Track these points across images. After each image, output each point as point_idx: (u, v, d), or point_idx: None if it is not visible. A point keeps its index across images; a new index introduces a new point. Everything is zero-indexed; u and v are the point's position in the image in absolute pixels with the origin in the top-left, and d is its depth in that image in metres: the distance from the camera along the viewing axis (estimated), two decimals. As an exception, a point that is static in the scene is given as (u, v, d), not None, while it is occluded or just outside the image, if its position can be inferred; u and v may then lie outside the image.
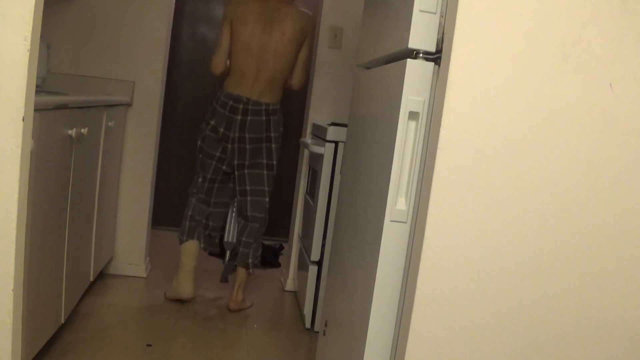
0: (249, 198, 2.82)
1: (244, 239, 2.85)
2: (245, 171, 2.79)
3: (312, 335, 2.68)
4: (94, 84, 3.02)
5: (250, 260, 2.85)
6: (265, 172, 2.81)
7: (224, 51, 2.78)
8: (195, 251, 2.84)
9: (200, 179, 2.87)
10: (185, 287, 2.82)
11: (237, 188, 2.84)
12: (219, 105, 2.75)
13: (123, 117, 3.01)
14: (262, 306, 3.00)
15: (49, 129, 1.80)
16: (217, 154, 2.80)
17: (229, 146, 2.77)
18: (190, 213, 2.87)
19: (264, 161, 2.80)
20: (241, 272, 2.84)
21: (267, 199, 2.83)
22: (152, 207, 3.41)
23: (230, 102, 2.73)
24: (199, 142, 2.84)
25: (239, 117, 2.72)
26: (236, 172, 2.82)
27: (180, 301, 2.88)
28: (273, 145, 2.79)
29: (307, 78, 2.87)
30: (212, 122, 2.77)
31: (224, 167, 2.84)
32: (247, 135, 2.73)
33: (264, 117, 2.74)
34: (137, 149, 3.12)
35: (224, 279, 2.96)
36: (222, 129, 2.74)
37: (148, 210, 3.18)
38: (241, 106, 2.72)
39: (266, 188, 2.82)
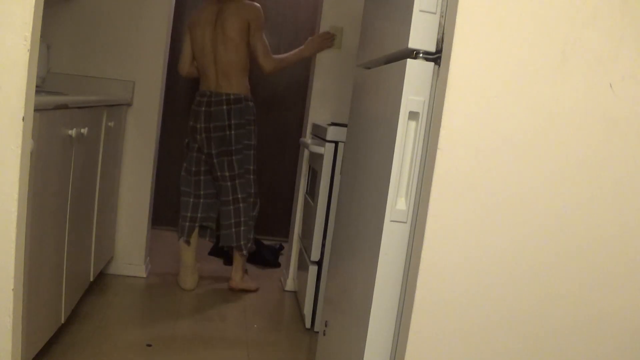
0: (221, 183, 3.08)
1: (221, 222, 3.11)
2: (215, 160, 3.03)
3: (312, 335, 2.68)
4: (94, 84, 3.02)
5: (242, 243, 3.09)
6: (231, 157, 3.02)
7: (185, 55, 3.11)
8: (187, 246, 3.10)
9: (186, 174, 3.12)
10: (185, 281, 3.10)
11: (212, 175, 3.12)
12: (193, 103, 3.12)
13: (123, 117, 3.01)
14: (262, 306, 3.00)
15: (49, 129, 1.80)
16: (196, 145, 3.08)
17: (198, 137, 3.04)
18: (181, 210, 3.14)
19: (228, 148, 3.01)
20: (235, 255, 3.12)
21: (229, 184, 3.05)
22: (152, 207, 3.41)
23: (198, 98, 3.05)
24: (185, 140, 3.18)
25: (204, 109, 3.00)
26: (208, 161, 3.08)
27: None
28: (234, 132, 2.99)
29: (275, 60, 3.04)
30: (190, 120, 3.08)
31: (202, 157, 3.09)
32: (211, 125, 2.98)
33: (224, 106, 2.98)
34: (137, 149, 3.12)
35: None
36: (191, 122, 3.05)
37: (148, 210, 3.18)
38: (205, 99, 3.01)
39: (227, 173, 3.04)
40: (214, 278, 3.37)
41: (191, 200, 3.11)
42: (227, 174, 3.03)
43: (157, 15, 3.03)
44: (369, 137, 1.67)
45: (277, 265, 3.76)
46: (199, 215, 3.11)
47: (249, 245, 3.10)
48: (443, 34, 1.34)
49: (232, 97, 2.97)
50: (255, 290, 3.17)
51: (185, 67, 3.12)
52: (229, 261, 3.66)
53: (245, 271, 3.23)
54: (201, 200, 3.12)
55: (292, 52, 3.09)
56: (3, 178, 1.42)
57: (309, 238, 2.80)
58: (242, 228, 3.08)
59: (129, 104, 3.08)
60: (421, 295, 1.32)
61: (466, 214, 1.31)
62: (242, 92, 3.01)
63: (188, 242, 3.09)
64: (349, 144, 2.00)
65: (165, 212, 4.29)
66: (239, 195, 3.06)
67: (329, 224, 2.67)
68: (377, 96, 1.62)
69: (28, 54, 1.40)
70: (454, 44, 1.27)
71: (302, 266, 2.94)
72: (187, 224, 3.09)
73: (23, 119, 1.41)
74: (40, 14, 1.44)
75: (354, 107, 1.97)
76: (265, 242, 4.12)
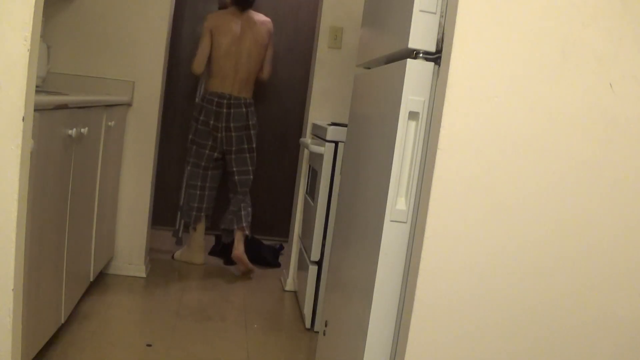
0: (236, 177, 3.50)
1: (231, 208, 3.53)
2: (233, 156, 3.45)
3: (312, 335, 2.68)
4: (94, 84, 3.02)
5: (245, 224, 3.51)
6: (247, 155, 3.48)
7: (205, 56, 3.39)
8: (202, 230, 3.54)
9: (194, 168, 3.46)
10: (198, 256, 3.56)
11: (227, 170, 3.51)
12: (206, 102, 3.36)
13: (123, 117, 3.01)
14: (262, 306, 3.00)
15: (49, 129, 1.80)
16: (209, 143, 3.40)
17: (219, 135, 3.38)
18: (188, 202, 3.52)
19: (246, 146, 3.46)
20: (238, 232, 3.50)
21: (251, 177, 3.54)
22: (152, 207, 3.41)
23: (216, 99, 3.35)
24: (190, 136, 3.45)
25: (225, 110, 3.35)
26: (226, 157, 3.47)
27: (192, 264, 3.57)
28: (252, 132, 3.45)
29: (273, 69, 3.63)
30: (202, 118, 3.37)
31: (215, 154, 3.45)
32: (232, 125, 3.37)
33: (244, 109, 3.40)
34: (137, 149, 3.12)
35: (178, 240, 3.82)
36: (212, 122, 3.35)
37: (148, 210, 3.18)
38: (225, 101, 3.35)
39: (250, 167, 3.51)
40: (214, 278, 3.37)
41: (198, 192, 3.49)
42: (249, 168, 3.50)
43: (157, 15, 3.03)
44: (369, 137, 1.67)
45: (277, 265, 3.76)
46: (204, 205, 3.51)
47: (248, 226, 3.58)
48: (443, 34, 1.34)
49: (248, 100, 3.42)
50: (252, 270, 3.49)
51: (202, 66, 3.40)
52: (229, 261, 3.67)
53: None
54: (206, 192, 3.51)
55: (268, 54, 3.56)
56: (3, 178, 1.42)
57: (309, 238, 2.80)
58: (243, 212, 3.53)
59: (129, 104, 3.08)
60: (421, 295, 1.32)
61: (466, 214, 1.31)
62: (251, 97, 3.46)
63: (195, 229, 3.52)
64: (349, 144, 2.00)
65: (165, 212, 4.28)
66: (246, 188, 3.53)
67: (329, 224, 2.67)
68: (377, 96, 1.62)
69: (28, 54, 1.40)
70: (454, 44, 1.27)
71: (302, 266, 2.94)
72: (195, 213, 3.49)
73: (23, 119, 1.41)
74: (40, 14, 1.44)
75: (354, 107, 1.97)
76: (265, 242, 4.12)
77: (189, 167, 3.47)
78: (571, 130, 1.31)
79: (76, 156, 2.16)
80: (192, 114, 3.66)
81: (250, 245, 3.82)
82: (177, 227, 3.92)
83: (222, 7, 3.59)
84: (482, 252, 1.32)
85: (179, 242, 3.85)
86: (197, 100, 3.55)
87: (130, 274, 3.18)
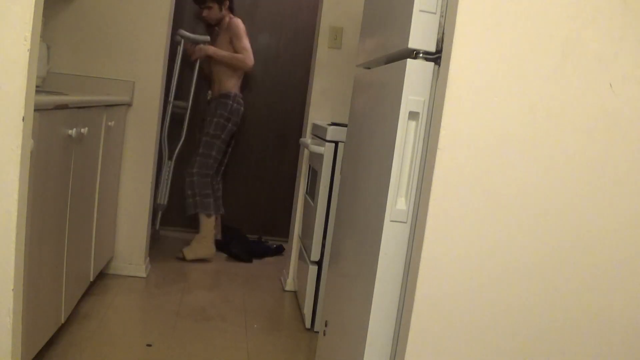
0: (223, 167, 4.00)
1: (217, 194, 3.93)
2: (229, 148, 3.94)
3: (312, 335, 2.68)
4: (94, 84, 3.02)
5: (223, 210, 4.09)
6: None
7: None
8: (215, 220, 3.70)
9: (212, 161, 3.65)
10: (211, 250, 3.64)
11: (221, 160, 3.94)
12: (237, 103, 3.70)
13: (123, 117, 3.01)
14: (262, 306, 3.00)
15: (49, 129, 1.80)
16: (229, 139, 3.74)
17: (235, 130, 3.77)
18: (214, 192, 3.77)
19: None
20: (219, 217, 3.95)
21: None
22: (152, 207, 3.42)
23: (242, 100, 3.75)
24: (217, 132, 3.64)
25: (242, 109, 3.77)
26: (225, 151, 3.91)
27: (202, 260, 3.65)
28: None
29: None
30: (234, 118, 3.69)
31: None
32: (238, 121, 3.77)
33: None
34: (137, 149, 3.12)
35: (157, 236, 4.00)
36: (239, 120, 3.74)
37: (148, 210, 3.18)
38: (242, 101, 3.76)
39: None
40: (214, 277, 3.37)
41: (215, 183, 3.85)
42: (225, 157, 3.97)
43: (157, 15, 3.03)
44: (369, 137, 1.67)
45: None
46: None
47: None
48: (443, 34, 1.34)
49: None
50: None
51: None
52: (234, 256, 3.85)
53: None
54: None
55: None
56: (3, 178, 1.42)
57: (309, 238, 2.80)
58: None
59: (129, 104, 3.08)
60: (421, 295, 1.32)
61: (466, 214, 1.31)
62: None
63: (219, 216, 3.93)
64: (349, 144, 2.00)
65: (165, 212, 4.28)
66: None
67: (329, 224, 2.67)
68: (377, 96, 1.62)
69: (28, 54, 1.40)
70: (454, 44, 1.27)
71: (302, 266, 2.94)
72: (220, 202, 3.91)
73: (23, 119, 1.41)
74: (40, 14, 1.44)
75: (354, 107, 1.97)
76: (270, 242, 4.13)
77: (210, 161, 3.64)
78: (571, 130, 1.31)
79: (76, 156, 2.16)
80: (216, 112, 3.67)
81: (232, 237, 4.02)
82: (157, 227, 3.99)
83: (217, 22, 3.80)
84: (482, 251, 1.32)
85: (158, 239, 4.00)
86: (229, 101, 3.68)
87: (130, 274, 3.18)
